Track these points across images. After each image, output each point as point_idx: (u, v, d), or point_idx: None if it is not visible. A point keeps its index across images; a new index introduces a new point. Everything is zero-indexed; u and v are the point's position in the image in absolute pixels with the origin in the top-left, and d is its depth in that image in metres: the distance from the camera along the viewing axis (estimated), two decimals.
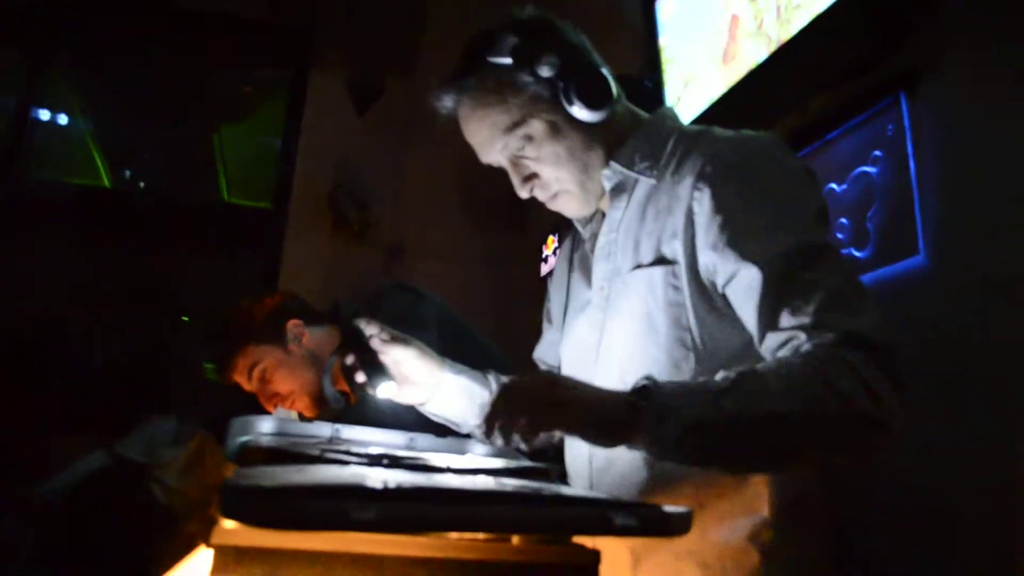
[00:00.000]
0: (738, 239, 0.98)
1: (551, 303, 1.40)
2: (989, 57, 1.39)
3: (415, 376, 1.25)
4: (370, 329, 1.23)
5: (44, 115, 4.10)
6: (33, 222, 3.84)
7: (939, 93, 1.47)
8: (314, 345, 1.90)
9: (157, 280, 4.15)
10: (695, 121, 2.11)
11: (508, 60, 1.09)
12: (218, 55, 4.25)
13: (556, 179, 1.15)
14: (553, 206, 1.19)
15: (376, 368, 1.21)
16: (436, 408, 1.31)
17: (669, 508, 0.63)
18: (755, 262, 0.95)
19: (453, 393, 1.30)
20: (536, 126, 1.11)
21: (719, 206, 1.01)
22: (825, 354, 0.87)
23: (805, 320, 0.90)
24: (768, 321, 0.94)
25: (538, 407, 0.86)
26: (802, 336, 0.90)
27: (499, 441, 0.85)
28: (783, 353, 0.91)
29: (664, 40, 2.27)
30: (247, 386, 1.89)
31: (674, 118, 1.22)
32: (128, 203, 4.20)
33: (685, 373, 1.02)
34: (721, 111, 1.97)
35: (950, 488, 1.37)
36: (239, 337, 1.87)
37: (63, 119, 4.24)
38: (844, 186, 1.66)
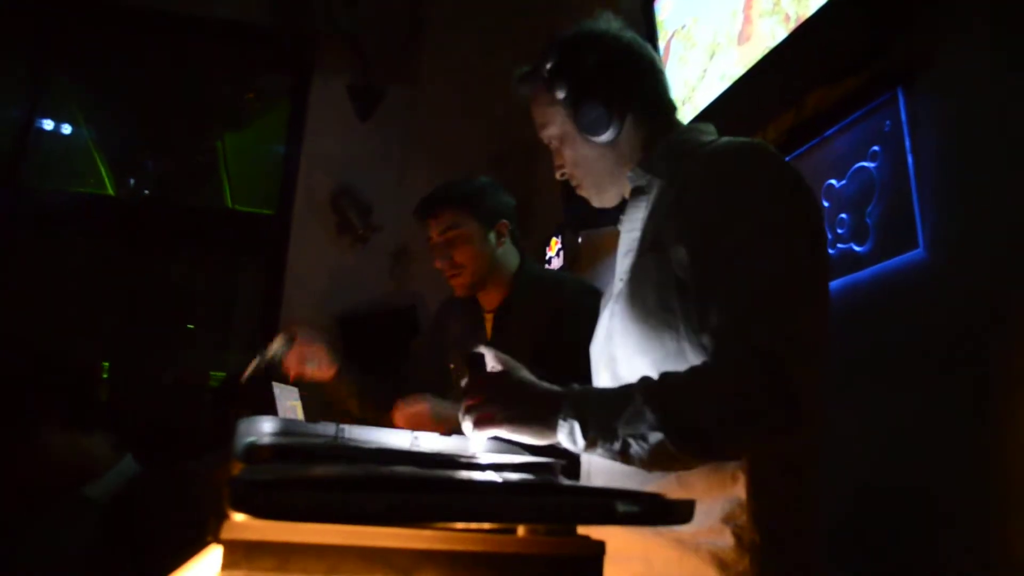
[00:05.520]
0: (695, 235, 1.07)
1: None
2: (985, 52, 1.39)
3: None
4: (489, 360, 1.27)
5: (48, 125, 4.12)
6: (38, 231, 3.86)
7: (936, 88, 1.48)
8: (503, 251, 2.05)
9: (162, 288, 4.17)
10: (710, 105, 2.11)
11: (547, 75, 1.27)
12: (221, 62, 4.27)
13: (575, 176, 1.32)
14: (580, 193, 1.34)
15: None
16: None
17: (672, 498, 0.64)
18: (700, 264, 1.05)
19: None
20: (555, 132, 1.30)
21: (696, 203, 1.10)
22: (716, 374, 0.98)
23: (717, 325, 1.00)
24: (699, 317, 1.04)
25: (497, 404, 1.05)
26: (712, 347, 1.00)
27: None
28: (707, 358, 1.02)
29: (685, 19, 2.29)
30: (434, 237, 2.02)
31: (711, 132, 1.28)
32: (132, 211, 4.21)
33: (669, 349, 1.09)
34: (737, 94, 1.99)
35: (945, 480, 1.37)
36: (463, 199, 2.02)
37: (67, 128, 4.26)
38: (843, 181, 1.67)
